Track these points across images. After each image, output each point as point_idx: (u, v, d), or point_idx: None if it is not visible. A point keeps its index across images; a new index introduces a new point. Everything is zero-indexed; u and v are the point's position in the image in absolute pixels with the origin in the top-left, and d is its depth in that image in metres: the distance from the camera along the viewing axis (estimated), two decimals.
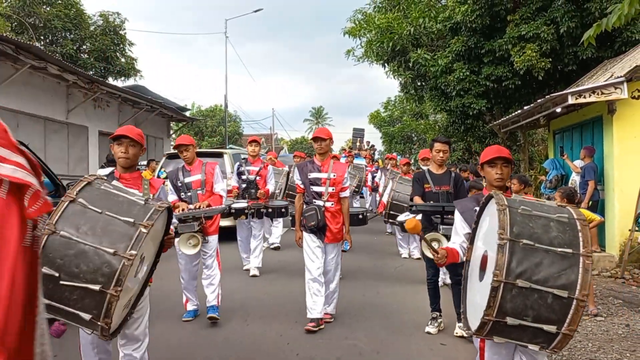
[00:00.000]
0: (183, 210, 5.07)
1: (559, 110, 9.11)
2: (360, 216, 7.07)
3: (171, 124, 22.89)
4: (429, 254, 4.09)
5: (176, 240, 4.87)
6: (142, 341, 3.37)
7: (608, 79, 8.42)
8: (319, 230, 5.22)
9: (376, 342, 4.92)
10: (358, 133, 24.02)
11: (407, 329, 5.34)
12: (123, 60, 21.41)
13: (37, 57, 10.69)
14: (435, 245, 4.15)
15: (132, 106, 17.54)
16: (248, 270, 7.82)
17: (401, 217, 6.58)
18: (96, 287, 2.34)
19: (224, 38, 33.35)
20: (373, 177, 13.93)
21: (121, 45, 21.34)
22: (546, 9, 12.24)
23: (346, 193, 5.35)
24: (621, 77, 7.92)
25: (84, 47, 20.72)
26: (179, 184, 5.42)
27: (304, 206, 5.32)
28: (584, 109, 9.36)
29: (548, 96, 9.23)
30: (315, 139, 5.30)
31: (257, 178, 7.78)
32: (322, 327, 5.18)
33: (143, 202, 2.67)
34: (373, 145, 26.21)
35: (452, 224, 4.24)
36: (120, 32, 21.19)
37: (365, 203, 14.76)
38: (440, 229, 4.61)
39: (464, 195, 5.18)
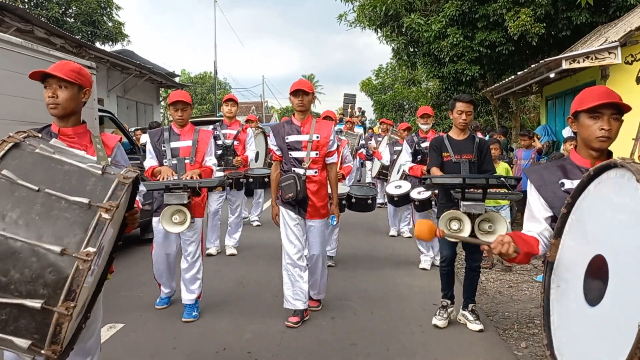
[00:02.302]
0: (170, 176, 4.22)
1: (552, 75, 9.10)
2: (370, 201, 6.10)
3: (160, 90, 22.59)
4: (450, 237, 3.80)
5: (154, 220, 4.49)
6: (94, 355, 2.49)
7: (602, 43, 8.39)
8: (298, 204, 4.35)
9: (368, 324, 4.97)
10: (349, 99, 22.94)
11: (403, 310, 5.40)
12: (110, 24, 20.98)
13: (23, 19, 10.43)
14: (454, 225, 3.80)
15: (121, 71, 17.25)
16: (212, 254, 6.81)
17: (414, 194, 5.73)
18: (36, 304, 1.59)
19: (212, 3, 32.69)
20: (366, 147, 13.61)
21: (108, 9, 20.88)
22: None
23: (333, 158, 4.50)
24: (615, 41, 7.90)
25: (70, 10, 20.21)
26: (163, 148, 4.49)
27: (281, 175, 4.46)
28: (577, 75, 9.36)
29: (542, 61, 9.20)
30: (295, 92, 4.31)
31: (235, 143, 6.77)
32: (306, 318, 4.49)
33: (100, 172, 1.84)
34: (364, 112, 25.88)
35: (476, 200, 3.82)
36: None
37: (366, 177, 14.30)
38: (462, 206, 3.85)
39: (490, 165, 4.52)
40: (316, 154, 4.36)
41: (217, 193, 6.62)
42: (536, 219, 2.22)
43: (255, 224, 8.85)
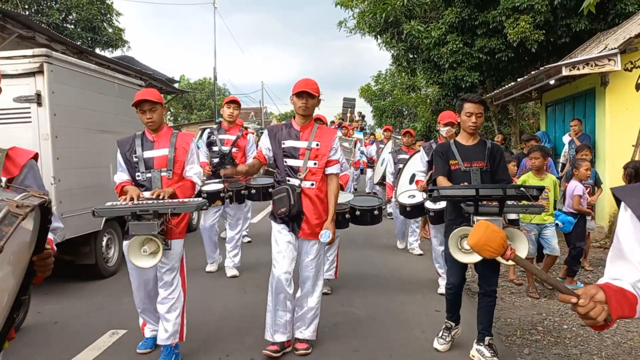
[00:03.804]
0: (135, 199, 3.48)
1: (552, 82, 9.13)
2: (376, 212, 5.30)
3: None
4: (459, 257, 3.39)
5: (124, 244, 3.70)
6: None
7: (602, 50, 8.43)
8: (292, 220, 3.81)
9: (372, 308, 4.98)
10: (348, 103, 22.37)
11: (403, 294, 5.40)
12: (110, 30, 21.03)
13: (25, 25, 10.43)
14: (467, 246, 3.25)
15: None
16: (212, 271, 6.33)
17: (429, 203, 5.04)
18: None
19: (212, 9, 32.81)
20: (363, 152, 13.28)
21: (108, 15, 20.93)
22: None
23: (334, 169, 3.89)
24: (615, 48, 7.94)
25: (70, 17, 20.28)
26: (134, 159, 3.78)
27: (276, 186, 3.97)
28: (577, 81, 9.39)
29: (542, 68, 9.24)
30: (299, 94, 3.75)
31: (234, 150, 6.04)
32: (288, 350, 3.94)
33: None
34: (364, 116, 25.56)
35: (492, 215, 3.34)
36: (107, 1, 20.75)
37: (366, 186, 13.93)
38: (475, 221, 3.30)
39: (505, 174, 3.95)
40: (315, 164, 3.80)
41: (214, 208, 6.01)
42: (630, 261, 1.50)
43: (245, 239, 7.75)
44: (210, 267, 6.38)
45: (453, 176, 3.84)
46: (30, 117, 5.12)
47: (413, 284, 5.98)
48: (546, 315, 4.92)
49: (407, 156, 7.03)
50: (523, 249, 3.33)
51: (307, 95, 3.76)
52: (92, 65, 6.64)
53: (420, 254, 7.39)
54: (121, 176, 3.83)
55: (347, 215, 5.14)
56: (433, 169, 4.12)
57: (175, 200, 3.53)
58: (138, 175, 3.76)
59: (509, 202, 3.50)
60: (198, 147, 4.57)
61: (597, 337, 4.39)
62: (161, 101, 3.83)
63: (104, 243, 6.16)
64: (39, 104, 5.12)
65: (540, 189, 3.54)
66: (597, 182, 6.71)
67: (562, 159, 9.03)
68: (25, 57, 5.19)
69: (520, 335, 4.43)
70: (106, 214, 3.27)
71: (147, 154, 3.78)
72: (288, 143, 3.84)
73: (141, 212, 3.31)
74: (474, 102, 3.87)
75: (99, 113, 6.14)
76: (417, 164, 5.45)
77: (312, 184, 3.81)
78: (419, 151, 6.12)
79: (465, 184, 3.71)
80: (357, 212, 5.22)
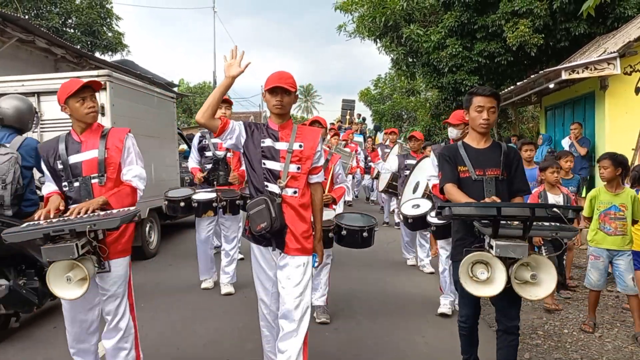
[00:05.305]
0: (44, 217, 2.85)
1: (551, 86, 9.16)
2: (365, 234, 4.46)
3: None
4: (472, 288, 2.74)
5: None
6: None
7: (601, 54, 8.45)
8: (274, 237, 3.13)
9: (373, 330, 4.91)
10: (348, 105, 21.75)
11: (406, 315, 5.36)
12: (110, 34, 21.03)
13: (25, 29, 10.46)
14: (481, 274, 2.70)
15: None
16: (208, 288, 5.81)
17: (431, 218, 4.70)
18: None
19: (212, 13, 32.88)
20: (366, 157, 12.97)
21: (108, 19, 20.94)
22: None
23: (318, 177, 3.30)
24: (614, 52, 7.96)
25: (70, 21, 20.29)
26: (59, 166, 3.10)
27: (253, 196, 3.21)
28: (576, 85, 9.41)
29: (541, 72, 9.26)
30: (272, 90, 3.13)
31: (229, 155, 5.59)
32: None
33: None
34: (365, 119, 25.17)
35: (515, 238, 2.72)
36: (106, 5, 20.79)
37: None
38: (494, 245, 2.72)
39: (524, 183, 3.32)
40: (297, 169, 3.17)
41: (208, 219, 5.63)
42: None
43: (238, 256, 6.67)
44: (206, 284, 5.86)
45: (463, 186, 3.19)
46: None
47: (419, 307, 5.32)
48: (547, 320, 4.90)
49: (414, 161, 6.48)
50: (550, 280, 2.73)
51: (281, 91, 3.14)
52: (139, 82, 8.24)
53: (432, 272, 6.50)
54: (48, 187, 3.16)
55: (331, 234, 4.40)
56: (439, 176, 3.41)
57: (102, 213, 2.87)
58: (65, 186, 3.09)
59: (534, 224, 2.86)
60: (187, 153, 4.13)
61: (597, 341, 4.37)
62: (97, 86, 3.18)
63: (147, 229, 7.45)
64: (103, 114, 6.22)
65: (577, 210, 2.92)
66: (578, 190, 6.06)
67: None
68: (91, 76, 6.26)
69: (521, 340, 4.39)
70: (16, 239, 2.65)
71: (74, 158, 3.10)
72: (267, 143, 3.19)
73: (55, 232, 2.63)
74: (485, 95, 3.20)
75: (145, 121, 7.44)
76: (428, 168, 5.02)
77: (295, 192, 3.16)
78: (427, 156, 5.76)
79: (492, 199, 3.03)
80: (343, 232, 4.47)
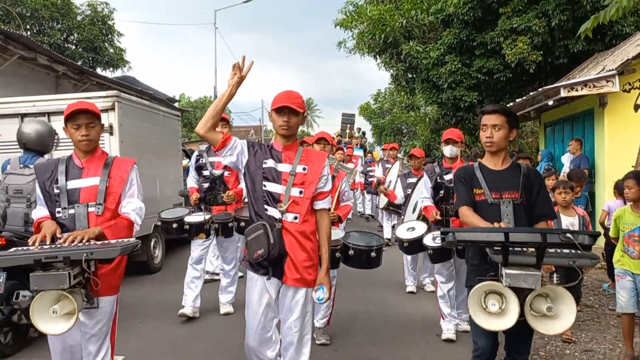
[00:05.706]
0: (38, 243, 2.68)
1: (550, 103, 9.19)
2: (374, 254, 4.29)
3: None
4: (482, 321, 2.56)
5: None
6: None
7: (600, 72, 8.50)
8: (272, 265, 2.99)
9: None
10: (348, 119, 21.25)
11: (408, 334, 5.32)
12: (112, 50, 21.19)
13: (27, 47, 10.53)
14: (493, 305, 2.53)
15: None
16: (187, 315, 5.33)
17: (428, 240, 4.63)
18: None
19: (213, 29, 33.09)
20: (366, 174, 12.65)
21: (110, 36, 21.12)
22: (538, 2, 12.28)
23: (325, 203, 3.13)
24: (613, 70, 8.00)
25: (72, 37, 20.45)
26: (55, 191, 2.93)
27: (252, 221, 3.09)
28: (575, 102, 9.44)
29: (540, 89, 9.30)
30: (279, 110, 3.02)
31: (226, 174, 5.47)
32: None
33: None
34: (365, 133, 25.02)
35: (527, 266, 2.55)
36: (108, 22, 20.96)
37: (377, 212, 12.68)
38: (505, 275, 2.55)
39: (548, 208, 3.12)
40: (300, 193, 3.02)
41: (199, 241, 5.42)
42: None
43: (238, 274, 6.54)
44: (186, 310, 5.38)
45: (478, 210, 3.00)
46: (104, 144, 6.28)
47: (420, 328, 5.27)
48: (548, 340, 4.86)
49: (415, 180, 6.20)
50: (569, 313, 2.52)
51: (289, 111, 3.01)
52: (146, 101, 8.51)
53: (433, 291, 6.23)
54: (40, 212, 2.98)
55: (338, 254, 4.24)
56: (454, 199, 3.24)
57: (98, 243, 2.69)
58: (58, 212, 2.89)
59: (550, 250, 2.63)
60: (187, 171, 4.21)
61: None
62: (98, 113, 3.03)
63: (152, 244, 7.62)
64: (111, 133, 6.46)
65: (595, 236, 2.65)
66: (587, 207, 6.07)
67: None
68: (100, 97, 6.52)
69: None
70: (3, 263, 2.57)
71: (72, 183, 2.94)
72: (269, 164, 3.05)
73: (47, 259, 2.44)
74: (487, 112, 3.08)
75: (151, 139, 7.68)
76: (421, 189, 4.92)
77: (296, 218, 2.99)
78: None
79: (502, 224, 2.83)
80: (351, 252, 4.34)
